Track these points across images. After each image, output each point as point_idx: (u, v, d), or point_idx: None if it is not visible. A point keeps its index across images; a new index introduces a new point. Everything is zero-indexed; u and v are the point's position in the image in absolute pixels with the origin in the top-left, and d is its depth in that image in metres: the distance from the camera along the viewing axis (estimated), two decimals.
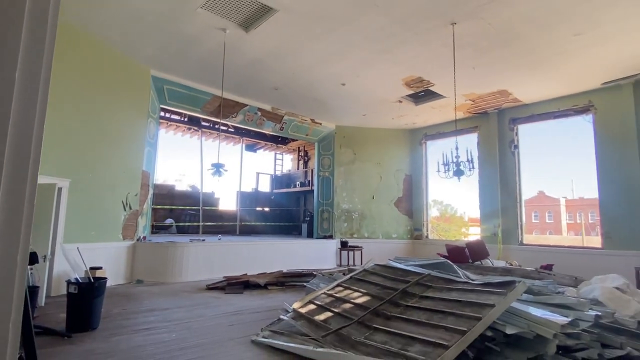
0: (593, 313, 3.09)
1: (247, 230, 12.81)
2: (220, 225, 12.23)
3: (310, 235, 10.90)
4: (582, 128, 7.80)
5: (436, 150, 10.23)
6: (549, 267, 6.36)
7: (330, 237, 10.25)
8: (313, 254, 9.29)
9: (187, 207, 12.09)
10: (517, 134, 8.84)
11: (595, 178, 7.46)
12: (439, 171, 6.22)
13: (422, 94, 8.25)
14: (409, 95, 8.34)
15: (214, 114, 8.40)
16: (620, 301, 3.91)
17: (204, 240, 7.89)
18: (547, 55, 6.20)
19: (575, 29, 5.37)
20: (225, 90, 7.77)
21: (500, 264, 6.65)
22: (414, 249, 10.33)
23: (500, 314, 2.77)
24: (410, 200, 10.75)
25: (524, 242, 8.53)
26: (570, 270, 6.57)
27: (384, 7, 4.98)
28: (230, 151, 13.97)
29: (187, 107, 8.06)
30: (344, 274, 5.01)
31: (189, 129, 11.96)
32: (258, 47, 6.11)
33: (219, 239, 8.52)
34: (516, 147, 8.80)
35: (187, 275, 6.90)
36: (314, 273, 6.45)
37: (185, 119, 11.40)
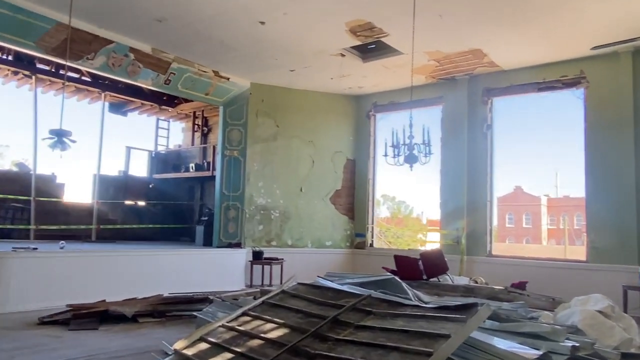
0: (569, 344, 3.38)
1: (110, 235, 12.26)
2: (65, 226, 11.53)
3: (207, 242, 10.78)
4: (572, 107, 8.77)
5: (389, 126, 10.53)
6: (522, 285, 6.95)
7: (238, 245, 10.21)
8: (211, 269, 9.23)
9: (10, 197, 11.14)
10: (491, 109, 9.52)
11: (583, 172, 8.34)
12: (386, 155, 6.49)
13: (373, 47, 8.48)
14: (355, 48, 8.52)
15: (57, 53, 7.81)
16: (602, 328, 4.29)
17: (35, 249, 7.49)
18: (534, 7, 6.67)
19: None
20: (76, 16, 7.19)
21: (463, 281, 7.12)
22: (354, 261, 10.69)
23: (457, 347, 2.95)
24: (353, 195, 11.06)
25: (494, 252, 9.27)
26: (549, 288, 7.14)
27: None
28: (85, 112, 13.33)
29: (12, 38, 7.41)
30: (254, 298, 5.06)
31: (16, 73, 11.09)
32: None
33: (62, 248, 8.14)
34: (490, 127, 9.47)
35: (6, 303, 6.54)
36: (211, 297, 6.44)
37: (9, 58, 10.59)
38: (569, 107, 8.83)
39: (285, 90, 10.84)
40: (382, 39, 7.98)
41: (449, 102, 9.91)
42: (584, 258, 8.34)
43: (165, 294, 7.49)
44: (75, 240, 10.90)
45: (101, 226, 12.26)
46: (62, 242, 8.93)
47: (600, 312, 4.57)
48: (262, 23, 7.59)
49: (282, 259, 9.97)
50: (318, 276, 5.02)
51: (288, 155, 10.77)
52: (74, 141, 5.79)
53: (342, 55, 8.75)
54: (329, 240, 10.85)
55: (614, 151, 8.11)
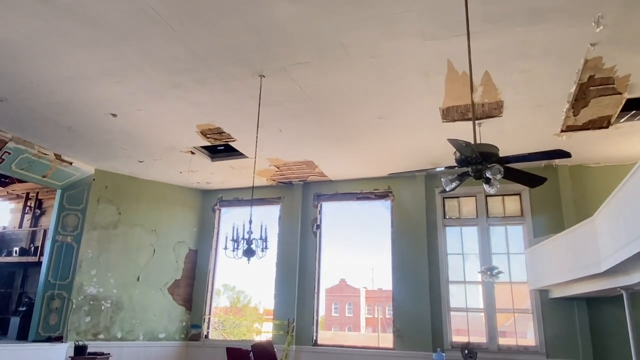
0: None
1: None
2: None
3: (22, 336, 9.15)
4: (382, 214, 9.77)
5: (231, 221, 10.54)
6: None
7: (59, 339, 8.85)
8: None
9: None
10: (320, 211, 10.20)
11: (390, 268, 9.14)
12: (226, 248, 6.52)
13: (221, 148, 8.71)
14: (205, 148, 8.65)
15: None
16: None
17: None
18: (354, 132, 7.55)
19: (380, 112, 6.79)
20: None
21: None
22: (187, 354, 9.97)
23: None
24: (192, 285, 10.59)
25: (319, 341, 9.35)
26: None
27: (182, 34, 5.12)
28: None
29: None
30: None
31: None
32: None
33: None
34: (319, 227, 10.10)
35: None
36: None
37: None
38: (380, 214, 9.92)
39: (131, 179, 10.27)
40: (230, 143, 8.20)
41: (286, 203, 10.32)
42: (391, 345, 8.80)
43: None
44: None
45: None
46: None
47: None
48: (114, 115, 7.27)
49: (109, 353, 8.78)
50: None
51: (128, 244, 9.95)
52: None
53: (192, 152, 8.76)
54: (163, 332, 9.93)
55: (412, 252, 9.04)
